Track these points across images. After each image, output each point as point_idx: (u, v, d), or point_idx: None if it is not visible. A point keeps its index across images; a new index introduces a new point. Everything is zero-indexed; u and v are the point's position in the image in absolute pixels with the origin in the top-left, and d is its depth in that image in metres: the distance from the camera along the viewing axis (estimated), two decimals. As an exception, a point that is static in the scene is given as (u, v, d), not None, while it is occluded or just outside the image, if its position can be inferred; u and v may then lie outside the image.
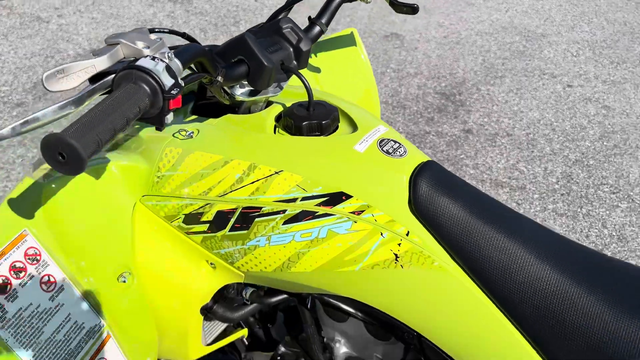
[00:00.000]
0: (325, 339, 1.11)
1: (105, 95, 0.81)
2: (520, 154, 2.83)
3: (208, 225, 0.94)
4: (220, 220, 0.92)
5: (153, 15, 4.09)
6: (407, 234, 0.83)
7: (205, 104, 1.11)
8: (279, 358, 1.18)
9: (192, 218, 0.95)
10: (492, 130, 3.02)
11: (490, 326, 0.81)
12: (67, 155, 0.61)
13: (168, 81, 0.73)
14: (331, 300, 1.02)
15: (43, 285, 0.82)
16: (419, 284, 0.84)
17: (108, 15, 4.06)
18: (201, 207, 0.93)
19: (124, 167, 0.96)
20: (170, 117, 0.77)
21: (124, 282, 0.95)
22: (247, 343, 1.28)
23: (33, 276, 0.81)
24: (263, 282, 0.99)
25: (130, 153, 1.00)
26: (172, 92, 0.73)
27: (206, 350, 1.13)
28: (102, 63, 0.83)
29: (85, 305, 0.87)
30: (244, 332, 1.21)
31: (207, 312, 1.05)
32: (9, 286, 0.79)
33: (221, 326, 1.22)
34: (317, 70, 1.27)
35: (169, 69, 0.74)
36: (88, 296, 0.88)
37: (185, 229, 0.96)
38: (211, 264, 0.99)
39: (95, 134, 0.64)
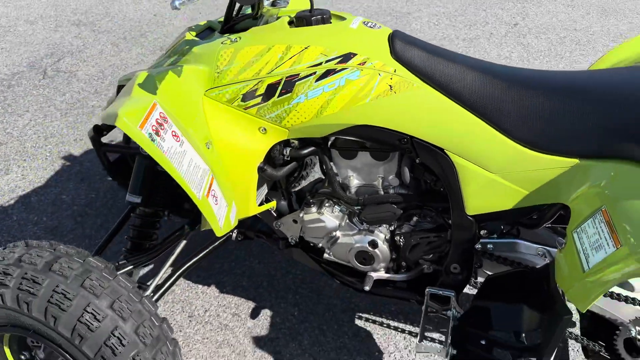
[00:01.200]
0: (341, 181, 1.58)
1: None
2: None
3: (261, 97, 1.38)
4: (270, 91, 1.37)
5: (61, 38, 4.28)
6: (395, 71, 1.34)
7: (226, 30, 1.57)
8: (304, 210, 1.62)
9: (249, 95, 1.39)
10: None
11: (459, 118, 1.33)
12: None
13: None
14: (343, 144, 1.51)
15: (174, 137, 1.22)
16: (408, 101, 1.35)
17: (17, 44, 4.17)
18: (255, 84, 1.38)
19: (191, 69, 1.39)
20: None
21: (208, 148, 1.37)
22: (275, 215, 1.71)
23: (168, 129, 1.21)
24: (302, 133, 1.43)
25: (192, 62, 1.42)
26: None
27: (258, 210, 1.56)
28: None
29: (198, 157, 1.28)
30: (273, 204, 1.65)
31: (261, 171, 1.48)
32: (161, 129, 1.18)
33: (264, 193, 1.65)
34: None
35: None
36: (198, 150, 1.29)
37: (243, 105, 1.40)
38: (263, 129, 1.43)
39: None
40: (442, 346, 1.42)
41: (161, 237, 1.71)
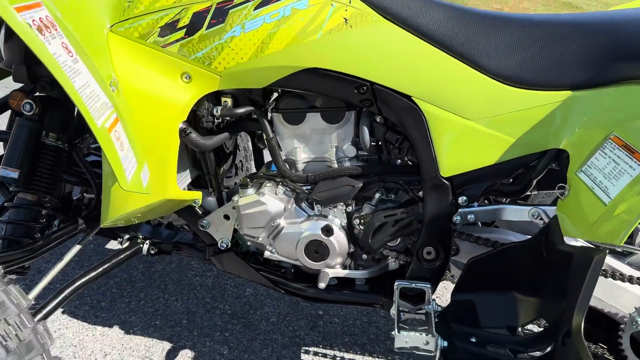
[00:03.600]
0: (285, 155, 1.29)
1: None
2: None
3: (185, 29, 1.10)
4: (197, 20, 1.09)
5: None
6: (350, 2, 1.12)
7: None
8: (239, 193, 1.29)
9: (169, 28, 1.10)
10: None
11: (427, 57, 1.11)
12: None
13: None
14: (288, 104, 1.23)
15: (64, 49, 0.89)
16: (366, 38, 1.12)
17: None
18: (177, 13, 1.10)
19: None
20: None
21: (114, 90, 1.04)
22: (201, 212, 1.36)
23: (57, 37, 0.88)
24: (237, 82, 1.15)
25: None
26: None
27: (180, 194, 1.22)
28: None
29: (97, 86, 0.94)
30: (198, 195, 1.31)
31: (184, 134, 1.16)
32: (47, 31, 0.85)
33: (187, 181, 1.31)
34: None
35: None
36: (99, 83, 0.96)
37: (161, 42, 1.10)
38: (187, 76, 1.13)
39: None
40: (431, 338, 1.08)
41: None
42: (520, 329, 1.15)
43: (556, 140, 1.08)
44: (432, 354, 1.07)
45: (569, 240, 1.05)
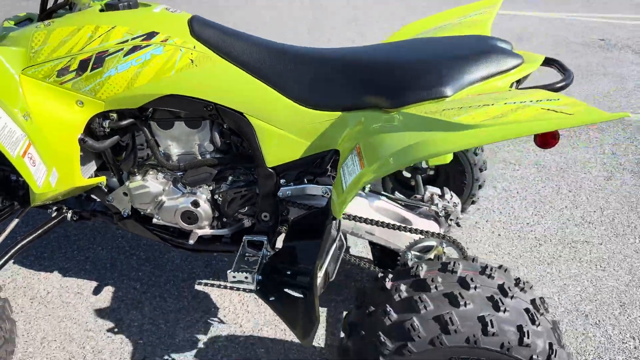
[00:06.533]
0: (162, 150, 1.79)
1: None
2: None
3: (75, 72, 1.56)
4: (83, 66, 1.55)
5: None
6: (194, 47, 1.59)
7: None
8: (130, 179, 1.80)
9: (63, 71, 1.56)
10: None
11: (250, 85, 1.59)
12: None
13: None
14: (161, 115, 1.72)
15: (-15, 103, 1.35)
16: (207, 73, 1.59)
17: None
18: (68, 61, 1.55)
19: (6, 50, 1.53)
20: None
21: (27, 120, 1.51)
22: (107, 190, 1.87)
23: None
24: (117, 105, 1.62)
25: (8, 45, 1.56)
26: None
27: (85, 182, 1.71)
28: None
29: (13, 123, 1.42)
30: (102, 179, 1.81)
31: (82, 143, 1.64)
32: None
33: (92, 168, 1.80)
34: None
35: None
36: (14, 119, 1.43)
37: (59, 81, 1.56)
38: (80, 102, 1.60)
39: None
40: (250, 275, 1.66)
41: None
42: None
43: (334, 143, 1.61)
44: (251, 286, 1.66)
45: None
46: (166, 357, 1.83)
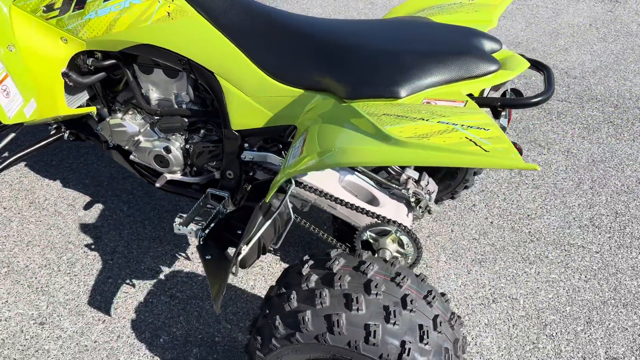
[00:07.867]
0: (143, 92, 1.86)
1: None
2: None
3: (59, 10, 1.62)
4: (65, 5, 1.61)
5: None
6: (173, 1, 1.60)
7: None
8: (111, 115, 1.90)
9: (49, 7, 1.62)
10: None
11: (223, 47, 1.60)
12: None
13: None
14: (142, 60, 1.77)
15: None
16: (183, 27, 1.61)
17: None
18: (53, -1, 1.61)
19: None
20: None
21: (11, 51, 1.61)
22: (97, 119, 1.98)
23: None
24: (98, 46, 1.69)
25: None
26: None
27: (70, 111, 1.82)
28: None
29: None
30: (92, 109, 1.92)
31: (66, 77, 1.73)
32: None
33: (84, 98, 1.91)
34: None
35: None
36: None
37: (45, 16, 1.63)
38: (64, 39, 1.67)
39: None
40: (196, 228, 1.75)
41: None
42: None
43: (294, 120, 1.61)
44: (195, 239, 1.75)
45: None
46: (127, 281, 2.01)
